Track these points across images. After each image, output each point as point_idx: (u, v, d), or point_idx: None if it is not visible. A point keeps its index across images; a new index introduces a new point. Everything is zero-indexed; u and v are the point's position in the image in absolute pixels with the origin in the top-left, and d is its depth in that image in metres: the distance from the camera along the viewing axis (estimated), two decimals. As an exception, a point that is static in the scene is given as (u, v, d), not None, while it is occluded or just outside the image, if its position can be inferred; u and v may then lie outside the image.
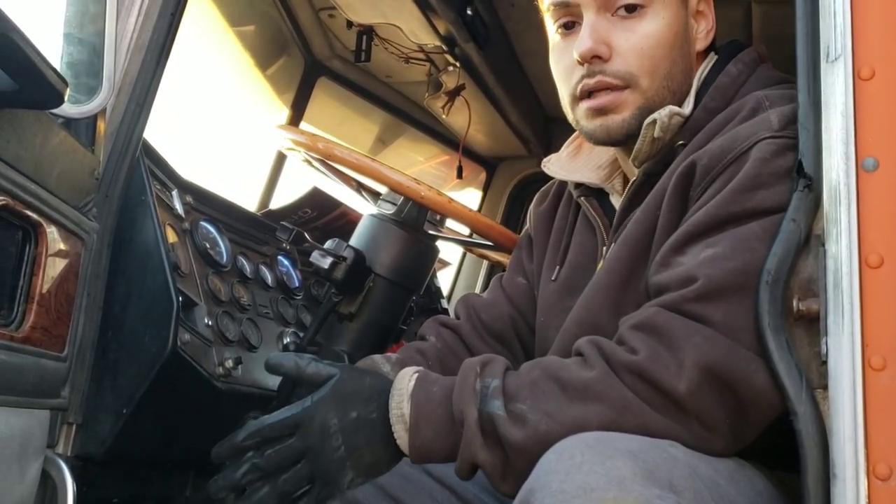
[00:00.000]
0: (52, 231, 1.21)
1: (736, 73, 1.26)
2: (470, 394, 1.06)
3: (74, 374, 1.35)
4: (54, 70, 1.03)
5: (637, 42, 1.22)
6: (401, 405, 1.10)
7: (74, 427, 1.38)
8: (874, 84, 1.00)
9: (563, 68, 1.28)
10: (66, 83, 1.06)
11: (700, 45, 1.30)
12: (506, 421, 1.03)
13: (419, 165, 3.80)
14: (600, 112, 1.25)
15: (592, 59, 1.22)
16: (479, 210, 3.78)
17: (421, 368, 1.16)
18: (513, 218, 3.76)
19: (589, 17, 1.23)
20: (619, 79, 1.23)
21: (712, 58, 1.32)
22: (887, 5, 1.02)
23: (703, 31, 1.30)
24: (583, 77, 1.24)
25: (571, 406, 1.02)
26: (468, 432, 1.05)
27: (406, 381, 1.12)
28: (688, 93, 1.27)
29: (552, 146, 3.53)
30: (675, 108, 1.24)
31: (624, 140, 1.27)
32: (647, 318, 1.05)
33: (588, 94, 1.25)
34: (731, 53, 1.30)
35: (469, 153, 3.53)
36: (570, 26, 1.27)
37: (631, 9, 1.22)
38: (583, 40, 1.22)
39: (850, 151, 1.00)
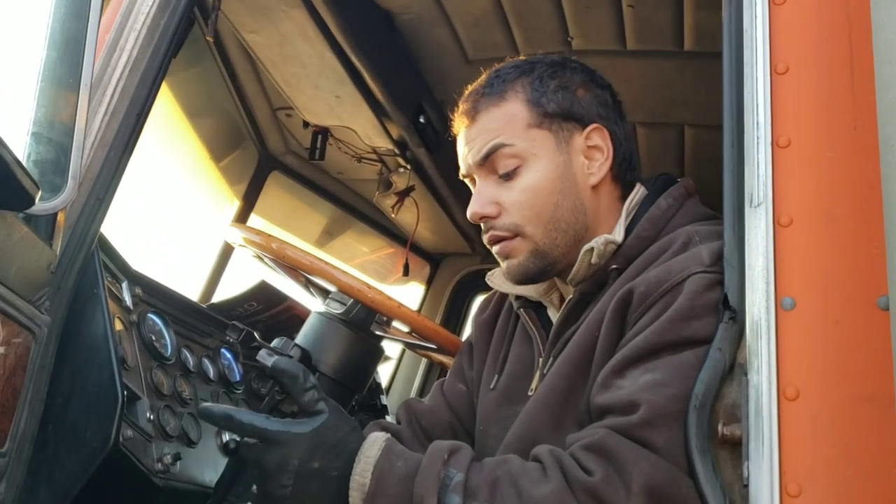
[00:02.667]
0: (5, 327, 1.22)
1: (665, 206, 1.37)
2: (433, 481, 1.11)
3: (11, 469, 1.32)
4: (28, 174, 1.06)
5: (517, 198, 1.37)
6: (364, 473, 1.15)
7: (4, 524, 1.34)
8: (792, 230, 1.11)
9: None
10: (38, 187, 1.08)
11: (594, 178, 1.40)
12: None
13: (364, 257, 3.85)
14: (503, 258, 1.41)
15: (482, 219, 1.39)
16: (422, 302, 3.84)
17: (389, 437, 1.21)
18: (454, 312, 3.84)
19: (478, 183, 1.41)
20: (507, 230, 1.38)
21: (639, 188, 1.43)
22: (803, 160, 1.14)
23: (598, 165, 1.40)
24: (482, 230, 1.42)
25: None
26: None
27: (375, 449, 1.17)
28: (584, 226, 1.38)
29: (495, 246, 3.65)
30: (609, 237, 1.34)
31: (534, 279, 1.42)
32: (598, 440, 1.11)
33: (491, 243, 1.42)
34: (661, 187, 1.42)
35: (414, 248, 3.61)
36: (474, 183, 1.44)
37: (507, 171, 1.38)
38: (472, 204, 1.40)
39: (770, 290, 1.09)
